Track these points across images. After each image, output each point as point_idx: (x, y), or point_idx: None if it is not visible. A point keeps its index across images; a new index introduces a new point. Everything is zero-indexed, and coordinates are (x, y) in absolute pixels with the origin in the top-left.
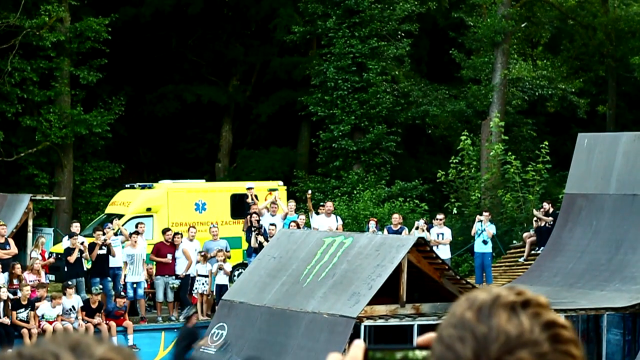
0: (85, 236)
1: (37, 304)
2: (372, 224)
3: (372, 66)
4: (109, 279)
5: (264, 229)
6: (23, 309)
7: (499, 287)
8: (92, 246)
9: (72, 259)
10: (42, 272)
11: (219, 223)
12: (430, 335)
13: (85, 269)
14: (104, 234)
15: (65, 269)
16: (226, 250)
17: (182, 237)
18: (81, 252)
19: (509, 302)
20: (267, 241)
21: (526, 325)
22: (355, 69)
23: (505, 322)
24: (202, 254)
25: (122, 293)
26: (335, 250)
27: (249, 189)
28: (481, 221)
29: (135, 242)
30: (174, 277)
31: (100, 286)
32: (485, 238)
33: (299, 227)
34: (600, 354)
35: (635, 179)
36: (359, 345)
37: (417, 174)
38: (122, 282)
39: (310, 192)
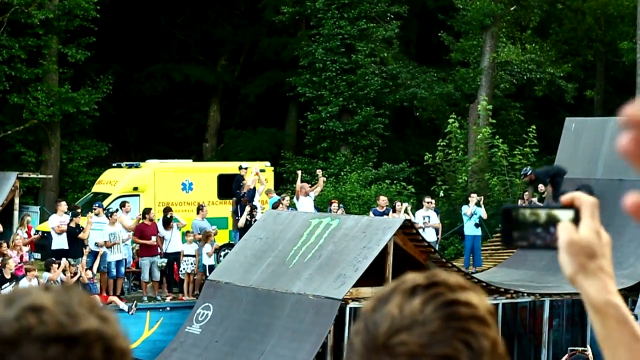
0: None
1: (19, 282)
2: (334, 206)
3: (361, 48)
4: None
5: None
6: (7, 284)
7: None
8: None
9: (84, 235)
10: (25, 250)
11: (205, 203)
12: (572, 194)
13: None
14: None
15: (73, 247)
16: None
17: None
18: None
19: (410, 286)
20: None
21: (416, 306)
22: (344, 50)
23: (394, 307)
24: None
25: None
26: (321, 232)
27: (243, 168)
28: (478, 202)
29: (115, 220)
30: (158, 256)
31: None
32: (477, 220)
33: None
34: (584, 338)
35: (622, 164)
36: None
37: (404, 156)
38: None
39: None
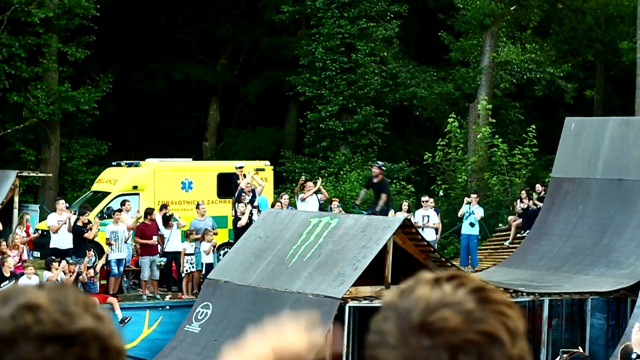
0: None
1: (18, 280)
2: (335, 204)
3: (361, 47)
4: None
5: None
6: (7, 281)
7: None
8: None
9: (90, 235)
10: (25, 248)
11: (205, 202)
12: None
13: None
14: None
15: (80, 246)
16: (212, 228)
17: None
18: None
19: (433, 278)
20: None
21: (448, 290)
22: (344, 49)
23: (425, 291)
24: (188, 232)
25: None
26: (321, 231)
27: (239, 168)
28: (469, 203)
29: (119, 219)
30: (158, 255)
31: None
32: (473, 220)
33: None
34: (584, 338)
35: (622, 163)
36: None
37: (404, 155)
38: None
39: (304, 179)
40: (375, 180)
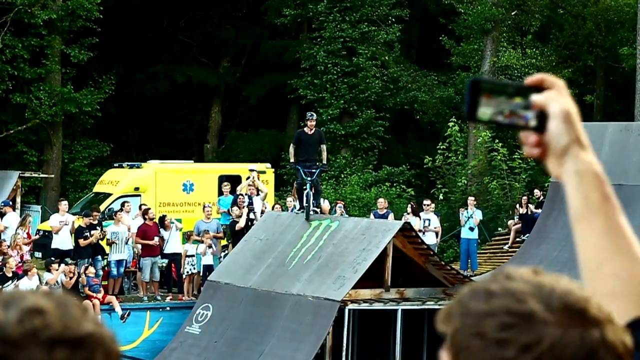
0: (73, 214)
1: (19, 281)
2: (339, 206)
3: (362, 51)
4: (99, 258)
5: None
6: (10, 282)
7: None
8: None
9: (84, 242)
10: (26, 249)
11: (206, 204)
12: (540, 76)
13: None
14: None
15: (80, 249)
16: (217, 231)
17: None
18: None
19: (530, 269)
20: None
21: (553, 278)
22: (345, 53)
23: (535, 277)
24: (189, 234)
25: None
26: (321, 234)
27: (251, 170)
28: (467, 209)
29: (120, 220)
30: (159, 256)
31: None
32: (472, 225)
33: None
34: None
35: (621, 169)
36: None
37: (404, 159)
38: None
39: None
40: (310, 132)
